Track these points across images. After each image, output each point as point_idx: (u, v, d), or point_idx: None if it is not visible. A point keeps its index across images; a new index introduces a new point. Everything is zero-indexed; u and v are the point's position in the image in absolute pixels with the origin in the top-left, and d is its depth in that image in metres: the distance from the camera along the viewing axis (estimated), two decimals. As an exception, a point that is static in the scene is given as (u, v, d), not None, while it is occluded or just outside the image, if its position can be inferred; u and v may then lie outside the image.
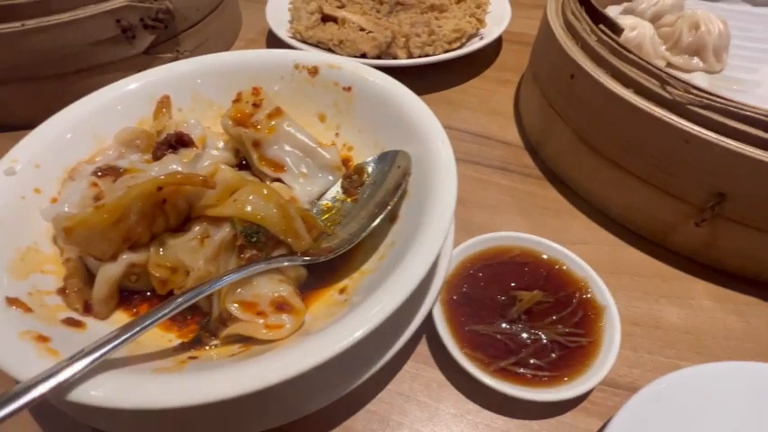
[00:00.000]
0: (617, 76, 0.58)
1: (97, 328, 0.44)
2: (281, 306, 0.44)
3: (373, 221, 0.50)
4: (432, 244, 0.44)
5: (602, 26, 0.63)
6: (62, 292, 0.46)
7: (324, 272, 0.51)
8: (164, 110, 0.65)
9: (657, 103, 0.54)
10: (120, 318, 0.48)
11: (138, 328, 0.38)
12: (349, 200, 0.59)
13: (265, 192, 0.49)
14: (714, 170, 0.51)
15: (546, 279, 0.56)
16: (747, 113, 0.49)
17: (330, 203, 0.59)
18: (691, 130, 0.51)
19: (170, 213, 0.49)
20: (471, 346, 0.50)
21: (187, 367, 0.39)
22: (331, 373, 0.46)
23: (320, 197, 0.60)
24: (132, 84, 0.65)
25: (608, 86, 0.58)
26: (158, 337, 0.47)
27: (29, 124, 0.58)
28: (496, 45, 1.00)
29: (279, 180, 0.60)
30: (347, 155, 0.66)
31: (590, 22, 0.64)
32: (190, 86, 0.68)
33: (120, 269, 0.46)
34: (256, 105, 0.62)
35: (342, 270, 0.52)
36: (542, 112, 0.73)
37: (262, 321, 0.43)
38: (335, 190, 0.60)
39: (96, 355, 0.35)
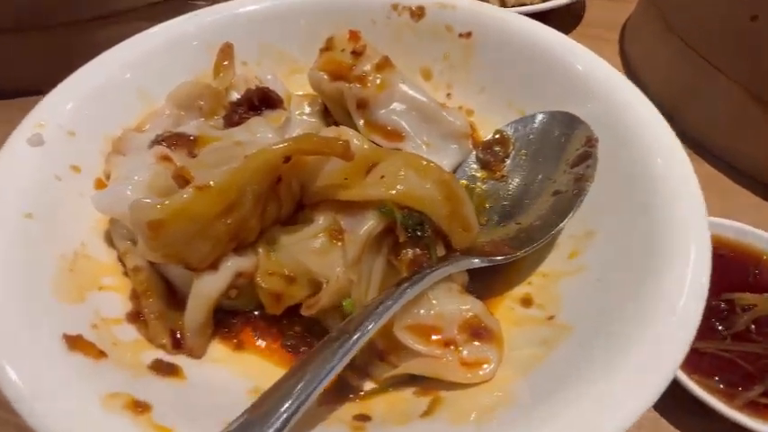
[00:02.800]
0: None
1: (199, 375, 0.29)
2: (476, 331, 0.30)
3: (569, 207, 0.36)
4: (699, 254, 0.31)
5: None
6: (135, 318, 0.31)
7: (482, 277, 0.37)
8: (226, 62, 0.49)
9: None
10: (219, 353, 0.32)
11: (300, 399, 0.23)
12: (492, 177, 0.44)
13: (423, 164, 0.34)
14: None
15: (756, 276, 0.43)
16: None
17: (468, 183, 0.44)
18: None
19: (284, 198, 0.34)
20: (699, 371, 0.37)
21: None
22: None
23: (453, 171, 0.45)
24: (183, 27, 0.49)
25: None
26: (270, 371, 0.32)
27: (37, 89, 0.41)
28: (580, 2, 0.86)
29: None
30: (468, 121, 0.51)
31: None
32: (256, 33, 0.51)
33: (225, 282, 0.31)
34: (357, 54, 0.46)
35: (506, 273, 0.38)
36: (686, 68, 0.59)
37: (454, 356, 0.29)
38: (471, 165, 0.46)
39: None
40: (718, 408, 0.34)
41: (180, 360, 0.30)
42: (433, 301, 0.31)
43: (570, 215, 0.36)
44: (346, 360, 0.25)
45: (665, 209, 0.32)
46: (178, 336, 0.31)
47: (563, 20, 0.82)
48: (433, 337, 0.30)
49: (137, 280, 0.32)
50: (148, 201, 0.28)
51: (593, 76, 0.43)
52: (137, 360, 0.27)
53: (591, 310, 0.31)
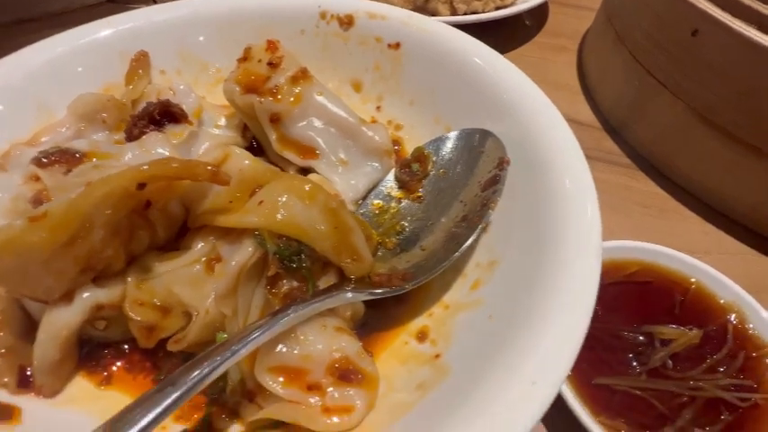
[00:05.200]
0: (765, 27, 0.43)
1: (40, 419, 0.27)
2: (344, 374, 0.28)
3: (468, 235, 0.34)
4: (585, 287, 0.28)
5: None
6: (-18, 353, 0.29)
7: (385, 304, 0.35)
8: (140, 71, 0.47)
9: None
10: (80, 390, 0.30)
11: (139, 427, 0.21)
12: (408, 197, 0.42)
13: (307, 188, 0.32)
14: None
15: (682, 305, 0.41)
16: None
17: (383, 203, 0.42)
18: None
19: (157, 223, 0.32)
20: (607, 410, 0.34)
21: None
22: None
23: (367, 193, 0.43)
24: (96, 33, 0.47)
25: (754, 39, 0.42)
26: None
27: None
28: (542, 8, 0.84)
29: (309, 170, 0.43)
30: (395, 135, 0.49)
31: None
32: (176, 40, 0.49)
33: (79, 315, 0.28)
34: (273, 65, 0.44)
35: (412, 301, 0.36)
36: (634, 83, 0.57)
37: (317, 402, 0.27)
38: (388, 184, 0.43)
39: None
40: (620, 454, 0.32)
41: (24, 401, 0.27)
42: (302, 339, 0.28)
43: (464, 246, 0.33)
44: (194, 391, 0.23)
45: (559, 243, 0.30)
46: (29, 373, 0.28)
47: (523, 27, 0.80)
48: (301, 382, 0.27)
49: (-9, 311, 0.29)
50: (-19, 229, 0.26)
51: (514, 93, 0.40)
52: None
53: (474, 350, 0.29)
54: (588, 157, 0.60)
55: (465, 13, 0.69)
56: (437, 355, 0.30)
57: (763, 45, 0.43)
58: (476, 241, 0.36)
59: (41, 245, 0.25)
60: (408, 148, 0.48)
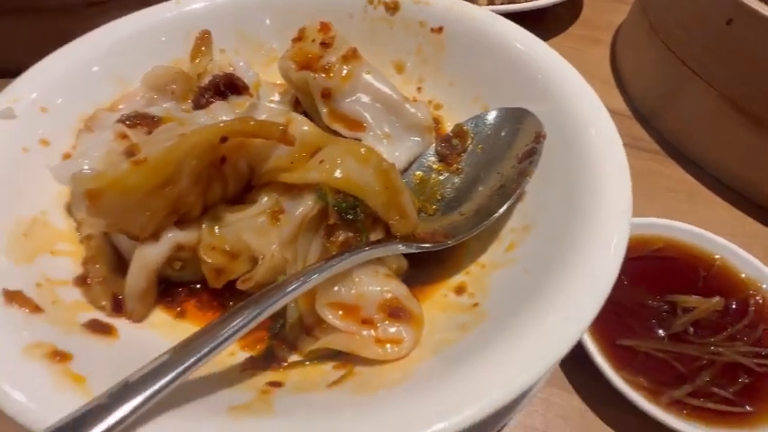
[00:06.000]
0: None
1: (132, 337, 0.31)
2: (394, 312, 0.31)
3: (504, 201, 0.37)
4: (614, 242, 0.31)
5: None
6: (82, 282, 0.33)
7: (427, 263, 0.39)
8: (203, 48, 0.51)
9: None
10: (160, 319, 0.35)
11: (202, 352, 0.25)
12: (448, 170, 0.45)
13: (363, 151, 0.35)
14: None
15: (705, 280, 0.43)
16: None
17: (423, 174, 0.46)
18: None
19: (230, 178, 0.36)
20: (629, 367, 0.37)
21: (275, 403, 0.26)
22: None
23: (409, 165, 0.46)
24: (164, 14, 0.51)
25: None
26: None
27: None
28: (577, 0, 0.85)
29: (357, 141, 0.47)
30: (435, 114, 0.52)
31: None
32: (234, 22, 0.54)
33: (164, 252, 0.33)
34: (326, 45, 0.47)
35: (451, 261, 0.39)
36: (667, 71, 0.59)
37: (370, 333, 0.30)
38: (429, 157, 0.47)
39: (148, 393, 0.22)
40: (640, 404, 0.35)
41: (118, 322, 0.32)
42: (357, 281, 0.32)
43: (501, 210, 0.37)
44: (256, 322, 0.27)
45: (591, 209, 0.33)
46: (120, 299, 0.33)
47: (559, 19, 0.82)
48: (356, 316, 0.31)
49: (87, 247, 0.34)
50: (88, 171, 0.30)
51: (552, 76, 0.43)
52: (72, 318, 0.30)
53: (510, 297, 0.32)
54: None
55: (502, 3, 0.72)
56: (475, 304, 0.34)
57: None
58: (511, 208, 0.39)
59: (141, 185, 0.30)
60: (447, 126, 0.51)
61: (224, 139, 0.31)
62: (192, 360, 0.24)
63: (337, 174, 0.34)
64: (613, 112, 0.67)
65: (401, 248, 0.34)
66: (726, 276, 0.43)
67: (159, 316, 0.35)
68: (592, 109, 0.40)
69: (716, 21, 0.51)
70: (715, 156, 0.55)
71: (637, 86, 0.65)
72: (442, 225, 0.40)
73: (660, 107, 0.61)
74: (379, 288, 0.32)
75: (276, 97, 0.51)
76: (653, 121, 0.62)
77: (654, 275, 0.43)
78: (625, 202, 0.33)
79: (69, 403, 0.22)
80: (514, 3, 0.71)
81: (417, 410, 0.24)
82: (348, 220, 0.34)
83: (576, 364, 0.38)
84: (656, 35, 0.61)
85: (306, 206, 0.34)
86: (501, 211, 0.37)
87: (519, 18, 0.72)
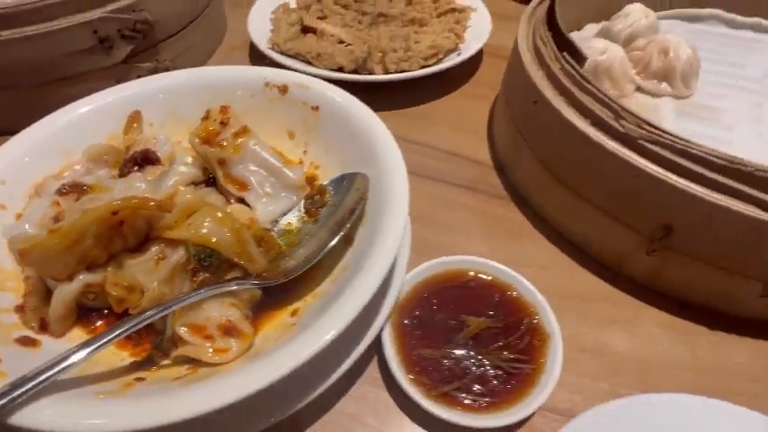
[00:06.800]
0: (576, 106, 0.59)
1: (52, 347, 0.46)
2: (228, 330, 0.46)
3: (327, 244, 0.52)
4: (377, 271, 0.46)
5: (565, 54, 0.64)
6: (20, 309, 0.48)
7: (279, 294, 0.53)
8: (134, 125, 0.67)
9: (612, 135, 0.55)
10: (78, 335, 0.49)
11: (89, 349, 0.40)
12: (310, 220, 0.60)
13: (219, 215, 0.50)
14: (661, 204, 0.53)
15: (497, 304, 0.57)
16: (693, 152, 0.50)
17: (292, 224, 0.60)
18: (640, 165, 0.52)
19: (128, 234, 0.50)
20: (418, 370, 0.51)
21: (132, 391, 0.41)
22: (276, 394, 0.48)
23: (282, 216, 0.61)
24: (104, 98, 0.67)
25: (565, 116, 0.59)
26: (112, 355, 0.48)
27: (12, 130, 0.60)
28: (476, 59, 1.00)
29: (242, 199, 0.61)
30: (314, 173, 0.67)
31: (555, 48, 0.65)
32: (162, 102, 0.69)
33: (76, 289, 0.48)
34: (224, 123, 0.63)
35: (296, 292, 0.53)
36: (511, 134, 0.73)
37: (209, 345, 0.45)
38: (298, 210, 0.61)
39: (43, 377, 0.37)
40: (414, 396, 0.49)
41: (43, 338, 0.46)
42: (205, 308, 0.47)
43: (324, 251, 0.51)
44: (130, 330, 0.42)
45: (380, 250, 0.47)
46: (46, 321, 0.48)
47: (455, 78, 0.96)
48: (201, 333, 0.46)
49: (26, 284, 0.49)
50: (25, 232, 0.45)
51: (377, 144, 0.58)
52: (8, 335, 0.44)
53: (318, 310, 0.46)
54: (477, 191, 0.79)
55: (396, 72, 0.87)
56: (295, 323, 0.48)
57: (569, 120, 0.58)
58: (339, 251, 0.54)
59: (57, 246, 0.44)
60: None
61: (115, 212, 0.46)
62: (83, 355, 0.39)
63: (200, 232, 0.49)
64: (479, 163, 0.82)
65: (234, 286, 0.49)
66: (513, 301, 0.57)
67: (76, 332, 0.49)
68: (397, 172, 0.55)
69: (529, 99, 0.66)
70: (541, 203, 0.69)
71: (498, 142, 0.80)
72: (289, 263, 0.54)
73: (510, 161, 0.75)
74: (220, 314, 0.47)
75: (190, 160, 0.66)
76: (506, 172, 0.77)
77: (459, 301, 0.57)
78: (396, 241, 0.48)
79: (-7, 389, 0.37)
80: (405, 71, 0.86)
81: (225, 384, 0.39)
82: (205, 265, 0.49)
83: (387, 369, 0.52)
84: (506, 102, 0.76)
85: (179, 255, 0.49)
86: (321, 254, 0.51)
87: (419, 80, 0.87)
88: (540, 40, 0.67)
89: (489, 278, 0.59)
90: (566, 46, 0.65)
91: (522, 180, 0.72)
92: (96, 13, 0.76)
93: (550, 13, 0.71)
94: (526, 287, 0.57)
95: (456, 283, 0.59)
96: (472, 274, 0.60)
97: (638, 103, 0.75)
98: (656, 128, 0.52)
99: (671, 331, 0.58)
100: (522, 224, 0.70)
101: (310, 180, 0.66)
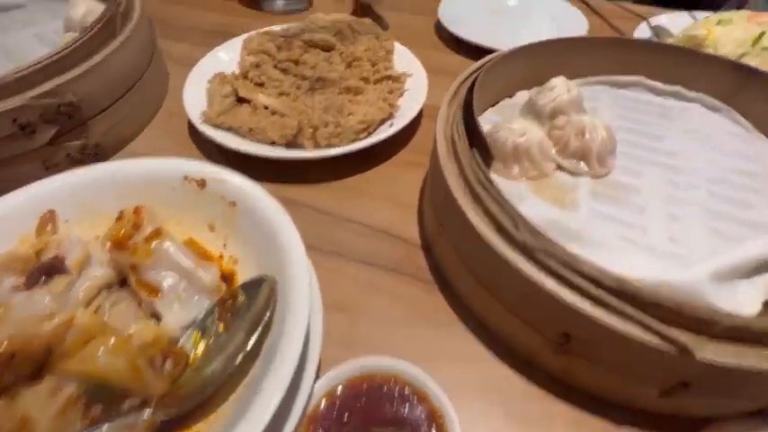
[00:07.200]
0: (482, 208, 0.60)
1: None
2: (118, 465, 0.46)
3: (234, 361, 0.52)
4: (272, 396, 0.46)
5: (474, 150, 0.65)
6: None
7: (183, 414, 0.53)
8: (49, 225, 0.66)
9: (513, 242, 0.56)
10: (-32, 472, 0.48)
11: None
12: (222, 327, 0.60)
13: (113, 342, 0.50)
14: (557, 315, 0.54)
15: (407, 413, 0.57)
16: (585, 270, 0.51)
17: (201, 332, 0.60)
18: (535, 276, 0.53)
19: (23, 364, 0.50)
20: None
21: None
22: None
23: (194, 322, 0.61)
24: (15, 198, 0.66)
25: (468, 218, 0.60)
26: None
27: None
28: (414, 122, 1.01)
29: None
30: (232, 269, 0.67)
31: (467, 142, 0.67)
32: (78, 198, 0.68)
33: (-37, 428, 0.47)
34: (137, 226, 0.63)
35: (200, 411, 0.53)
36: (432, 218, 0.74)
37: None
38: (210, 315, 0.61)
39: None
40: None
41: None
42: (98, 445, 0.46)
43: (220, 379, 0.51)
44: None
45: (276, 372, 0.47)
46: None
47: (390, 144, 0.97)
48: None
49: None
50: None
51: (285, 243, 0.59)
52: None
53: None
54: (402, 273, 0.79)
55: (327, 146, 0.87)
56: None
57: (475, 227, 0.59)
58: (247, 365, 0.53)
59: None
60: (240, 278, 0.66)
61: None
62: None
63: (88, 366, 0.48)
64: (407, 241, 0.82)
65: (129, 420, 0.48)
66: (420, 407, 0.57)
67: (-34, 470, 0.49)
68: (300, 273, 0.55)
69: (442, 191, 0.66)
70: (460, 291, 0.70)
71: (426, 219, 0.81)
72: (193, 383, 0.54)
73: (434, 244, 0.76)
74: (111, 450, 0.46)
75: (107, 258, 0.65)
76: (432, 251, 0.78)
77: (367, 409, 0.57)
78: (292, 364, 0.48)
79: None
80: (335, 146, 0.87)
81: None
82: (96, 399, 0.48)
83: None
84: (431, 182, 0.77)
85: (71, 388, 0.49)
86: (222, 377, 0.51)
87: (354, 153, 0.87)
88: (456, 132, 0.69)
89: (401, 384, 0.59)
90: (477, 138, 0.67)
91: (444, 264, 0.73)
92: (16, 101, 0.75)
93: (468, 101, 0.72)
94: (434, 390, 0.58)
95: (368, 388, 0.59)
96: (384, 378, 0.60)
97: (558, 182, 0.76)
98: (547, 239, 0.54)
99: (580, 428, 0.59)
100: (444, 311, 0.71)
101: (228, 276, 0.66)
